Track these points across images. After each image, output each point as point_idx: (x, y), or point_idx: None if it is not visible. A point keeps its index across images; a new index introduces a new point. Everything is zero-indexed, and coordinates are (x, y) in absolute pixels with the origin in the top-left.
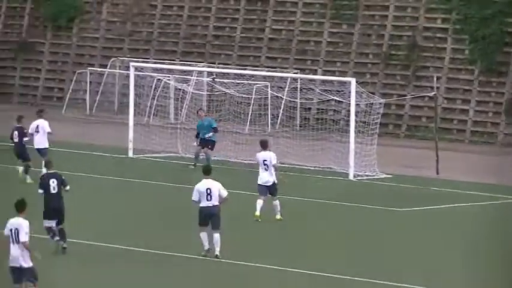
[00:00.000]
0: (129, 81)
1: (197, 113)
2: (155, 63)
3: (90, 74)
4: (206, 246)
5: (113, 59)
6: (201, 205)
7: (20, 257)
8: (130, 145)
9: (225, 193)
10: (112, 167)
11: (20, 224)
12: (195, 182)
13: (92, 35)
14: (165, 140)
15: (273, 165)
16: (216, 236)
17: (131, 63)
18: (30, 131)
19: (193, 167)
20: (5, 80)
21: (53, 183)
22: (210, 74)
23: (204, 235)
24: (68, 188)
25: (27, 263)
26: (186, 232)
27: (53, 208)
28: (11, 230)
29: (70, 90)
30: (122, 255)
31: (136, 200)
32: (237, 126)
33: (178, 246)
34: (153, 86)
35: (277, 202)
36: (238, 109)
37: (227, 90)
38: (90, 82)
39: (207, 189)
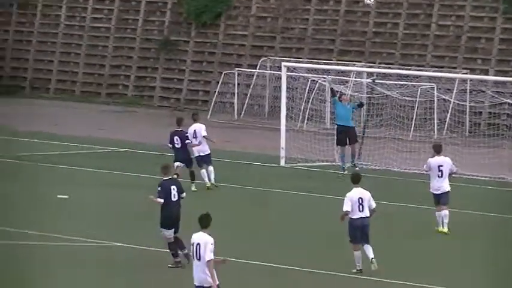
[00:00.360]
0: (280, 83)
1: (339, 98)
2: (309, 62)
3: (238, 75)
4: (359, 266)
5: (263, 58)
6: (352, 216)
7: (202, 275)
8: (282, 153)
9: (373, 204)
10: (262, 177)
11: (206, 240)
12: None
13: (240, 32)
14: (321, 147)
15: (454, 172)
16: (370, 247)
17: (283, 63)
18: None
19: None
20: (145, 82)
21: (173, 190)
22: (369, 74)
23: (358, 255)
24: (184, 195)
25: (208, 283)
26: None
27: (175, 217)
28: (192, 244)
29: (216, 93)
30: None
31: (292, 214)
32: (399, 132)
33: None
34: (307, 88)
35: (446, 212)
36: (401, 113)
37: (389, 93)
38: (238, 84)
39: (358, 199)
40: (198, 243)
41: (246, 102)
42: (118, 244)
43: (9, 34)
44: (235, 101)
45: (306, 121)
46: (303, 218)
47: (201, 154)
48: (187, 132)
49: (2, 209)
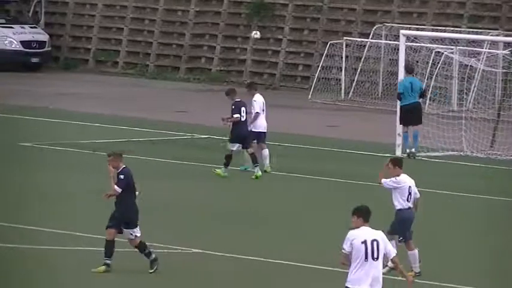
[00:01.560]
0: (397, 55)
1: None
2: (433, 30)
3: (347, 45)
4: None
5: (377, 25)
6: (400, 207)
7: (379, 276)
8: (399, 140)
9: (417, 193)
10: (373, 169)
11: (381, 235)
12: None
13: None
14: (446, 133)
15: None
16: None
17: (401, 31)
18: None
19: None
20: (233, 55)
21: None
22: (507, 45)
23: (414, 254)
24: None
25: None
26: None
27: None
28: (364, 242)
29: (319, 68)
30: None
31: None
32: None
33: None
34: (430, 61)
35: None
36: None
37: None
38: (347, 57)
39: (409, 187)
40: (375, 240)
41: (356, 79)
42: (196, 250)
43: None
44: (343, 77)
45: (427, 102)
46: (430, 220)
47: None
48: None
49: (66, 209)
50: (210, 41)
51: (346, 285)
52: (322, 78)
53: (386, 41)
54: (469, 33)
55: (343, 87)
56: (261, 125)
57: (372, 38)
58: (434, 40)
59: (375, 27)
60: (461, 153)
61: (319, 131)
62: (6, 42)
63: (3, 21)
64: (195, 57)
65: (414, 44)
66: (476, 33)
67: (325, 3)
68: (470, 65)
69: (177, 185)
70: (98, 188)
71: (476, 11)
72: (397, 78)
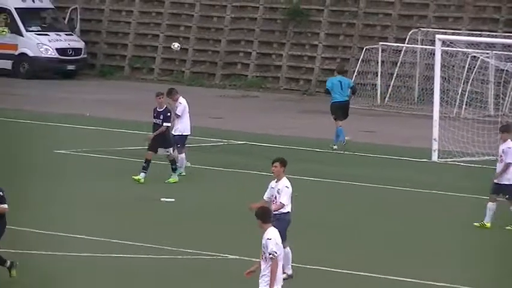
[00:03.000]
0: (433, 60)
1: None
2: (469, 35)
3: (383, 50)
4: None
5: (413, 30)
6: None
7: None
8: (435, 145)
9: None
10: (410, 174)
11: None
12: None
13: None
14: (482, 138)
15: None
16: None
17: (437, 36)
18: None
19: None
20: (269, 60)
21: None
22: None
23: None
24: None
25: None
26: None
27: None
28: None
29: (355, 73)
30: None
31: (452, 220)
32: None
33: None
34: (467, 65)
35: None
36: None
37: None
38: (383, 62)
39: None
40: None
41: (392, 84)
42: (233, 257)
43: (105, 3)
44: (379, 82)
45: (464, 106)
46: (466, 225)
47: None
48: None
49: (101, 217)
50: (246, 47)
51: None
52: (358, 83)
53: (422, 46)
54: (505, 37)
55: (379, 93)
56: (185, 128)
57: (407, 43)
58: (470, 45)
59: (410, 32)
60: (496, 157)
61: (355, 136)
62: (42, 49)
63: (39, 28)
64: (231, 64)
65: (450, 48)
66: None
67: (360, 9)
68: (506, 70)
69: (211, 190)
70: (133, 196)
71: None
72: (433, 83)
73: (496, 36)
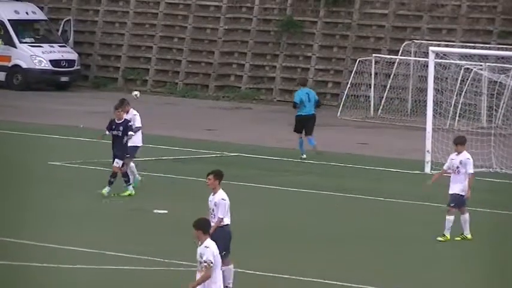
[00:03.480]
0: (427, 72)
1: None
2: (462, 47)
3: (376, 62)
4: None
5: (406, 42)
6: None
7: None
8: (428, 157)
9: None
10: (403, 186)
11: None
12: None
13: (378, 10)
14: (475, 150)
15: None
16: None
17: (430, 48)
18: None
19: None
20: (262, 72)
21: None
22: None
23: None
24: None
25: None
26: None
27: None
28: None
29: (349, 85)
30: None
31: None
32: None
33: None
34: (460, 77)
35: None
36: None
37: None
38: (376, 73)
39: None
40: None
41: (385, 96)
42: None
43: (98, 15)
44: (372, 94)
45: (457, 118)
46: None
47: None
48: None
49: (94, 228)
50: (239, 59)
51: None
52: (352, 95)
53: (416, 58)
54: (498, 49)
55: (372, 104)
56: (139, 139)
57: (401, 55)
58: (463, 57)
59: (404, 44)
60: (491, 169)
61: (348, 148)
62: (36, 61)
63: (32, 40)
64: (224, 75)
65: (443, 60)
66: (506, 49)
67: (354, 20)
68: (500, 82)
69: (205, 202)
70: (126, 208)
71: (506, 27)
72: (426, 95)
73: (489, 48)
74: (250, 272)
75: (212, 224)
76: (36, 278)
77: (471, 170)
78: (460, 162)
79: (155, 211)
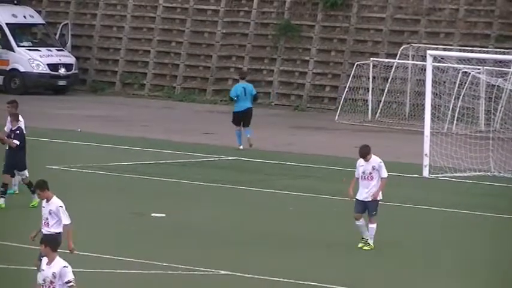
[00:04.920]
0: (425, 76)
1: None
2: (460, 51)
3: (374, 66)
4: None
5: (404, 46)
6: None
7: None
8: (426, 161)
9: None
10: (400, 190)
11: None
12: None
13: (376, 14)
14: (473, 154)
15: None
16: None
17: (428, 52)
18: None
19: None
20: (260, 76)
21: None
22: None
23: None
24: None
25: None
26: None
27: None
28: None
29: (346, 89)
30: None
31: (443, 236)
32: None
33: None
34: (458, 81)
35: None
36: None
37: None
38: (374, 77)
39: None
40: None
41: (383, 100)
42: (225, 272)
43: (96, 19)
44: (370, 98)
45: (455, 122)
46: (456, 242)
47: None
48: None
49: (91, 232)
50: (237, 63)
51: None
52: (349, 99)
53: (413, 62)
54: (496, 53)
55: (370, 108)
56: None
57: (398, 59)
58: (461, 60)
59: (401, 48)
60: (489, 173)
61: (346, 152)
62: (34, 65)
63: (30, 44)
64: (222, 79)
65: (441, 64)
66: (504, 53)
67: (351, 24)
68: (498, 85)
69: (203, 205)
70: (124, 211)
71: (503, 31)
72: (424, 99)
73: (487, 52)
74: (249, 276)
75: (48, 231)
76: (33, 282)
77: (385, 174)
78: (373, 168)
79: (153, 215)
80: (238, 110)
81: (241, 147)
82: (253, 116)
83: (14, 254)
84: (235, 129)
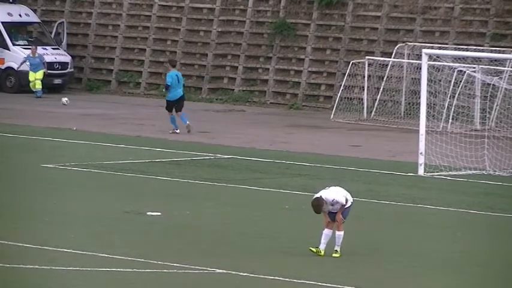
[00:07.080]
0: (420, 74)
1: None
2: (456, 49)
3: (369, 65)
4: None
5: (399, 44)
6: None
7: None
8: (421, 159)
9: None
10: (396, 189)
11: None
12: None
13: (371, 13)
14: (468, 152)
15: None
16: None
17: (424, 50)
18: None
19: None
20: (256, 75)
21: None
22: None
23: None
24: None
25: None
26: None
27: None
28: None
29: (342, 88)
30: None
31: (437, 234)
32: None
33: None
34: (453, 80)
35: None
36: None
37: None
38: (369, 76)
39: None
40: None
41: (378, 98)
42: (221, 271)
43: (91, 17)
44: (365, 96)
45: (450, 121)
46: (451, 240)
47: None
48: None
49: (87, 230)
50: (233, 61)
51: None
52: (345, 97)
53: (409, 60)
54: (491, 51)
55: (365, 107)
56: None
57: (394, 57)
58: (456, 59)
59: (397, 46)
60: (484, 172)
61: (341, 151)
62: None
63: (25, 42)
64: (218, 78)
65: (436, 62)
66: (499, 51)
67: (347, 23)
68: (493, 84)
69: (198, 204)
70: (119, 210)
71: (499, 30)
72: (419, 98)
73: (482, 51)
74: (245, 274)
75: None
76: (28, 280)
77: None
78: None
79: (148, 213)
80: (173, 98)
81: (177, 131)
82: (249, 115)
83: None
84: (168, 115)
